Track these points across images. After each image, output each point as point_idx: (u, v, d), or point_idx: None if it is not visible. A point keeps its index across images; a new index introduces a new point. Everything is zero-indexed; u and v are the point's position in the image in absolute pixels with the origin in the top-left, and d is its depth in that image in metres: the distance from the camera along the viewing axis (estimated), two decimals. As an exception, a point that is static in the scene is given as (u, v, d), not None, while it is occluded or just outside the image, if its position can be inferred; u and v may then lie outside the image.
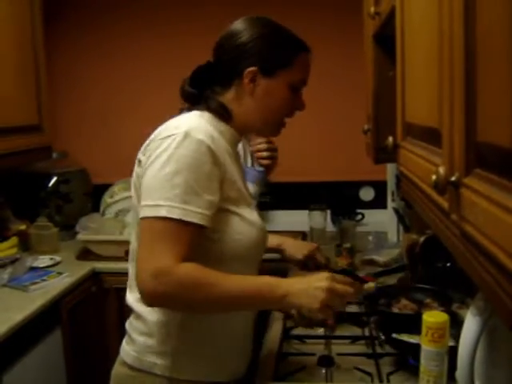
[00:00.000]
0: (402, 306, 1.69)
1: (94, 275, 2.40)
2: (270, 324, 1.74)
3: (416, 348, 1.19)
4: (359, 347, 1.57)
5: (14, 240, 2.43)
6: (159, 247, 1.06)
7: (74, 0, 3.09)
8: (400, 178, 1.29)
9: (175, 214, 1.06)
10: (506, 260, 0.52)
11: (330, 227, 2.87)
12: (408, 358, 1.39)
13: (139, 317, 1.24)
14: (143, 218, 1.09)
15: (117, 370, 1.27)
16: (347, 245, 2.28)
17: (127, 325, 1.29)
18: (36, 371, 1.94)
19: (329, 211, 2.87)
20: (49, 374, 2.04)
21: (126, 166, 1.59)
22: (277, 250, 1.66)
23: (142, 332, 1.22)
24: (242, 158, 1.78)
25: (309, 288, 1.08)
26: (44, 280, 2.14)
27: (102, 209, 2.67)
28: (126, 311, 1.31)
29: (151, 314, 1.20)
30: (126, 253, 1.31)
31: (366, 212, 3.01)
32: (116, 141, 3.13)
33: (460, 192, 0.68)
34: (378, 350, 1.52)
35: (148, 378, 1.20)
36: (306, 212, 2.82)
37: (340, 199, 3.02)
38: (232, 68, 1.23)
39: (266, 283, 1.10)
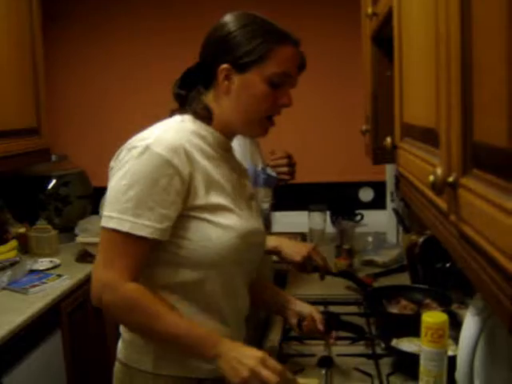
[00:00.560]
0: (402, 307, 1.69)
1: (94, 277, 2.39)
2: (269, 325, 1.74)
3: (415, 358, 1.19)
4: (359, 348, 1.56)
5: (13, 243, 2.43)
6: (109, 257, 1.11)
7: (73, 1, 3.10)
8: (399, 178, 1.29)
9: (125, 227, 1.08)
10: (503, 261, 0.51)
11: (330, 228, 2.86)
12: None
13: None
14: (101, 227, 1.13)
15: (115, 366, 1.29)
16: (347, 246, 2.28)
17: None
18: (36, 374, 1.94)
19: (328, 212, 2.87)
20: (49, 377, 2.04)
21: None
22: (274, 251, 1.65)
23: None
24: (248, 160, 1.76)
25: (238, 360, 1.06)
26: (43, 283, 2.14)
27: (101, 211, 2.66)
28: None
29: None
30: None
31: (366, 213, 3.01)
32: (115, 143, 3.10)
33: (457, 192, 0.67)
34: (378, 350, 1.52)
35: (136, 374, 1.21)
36: (306, 213, 2.82)
37: (339, 200, 3.02)
38: (210, 66, 1.19)
39: (204, 338, 1.09)
